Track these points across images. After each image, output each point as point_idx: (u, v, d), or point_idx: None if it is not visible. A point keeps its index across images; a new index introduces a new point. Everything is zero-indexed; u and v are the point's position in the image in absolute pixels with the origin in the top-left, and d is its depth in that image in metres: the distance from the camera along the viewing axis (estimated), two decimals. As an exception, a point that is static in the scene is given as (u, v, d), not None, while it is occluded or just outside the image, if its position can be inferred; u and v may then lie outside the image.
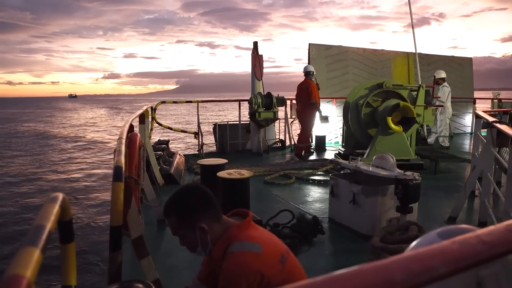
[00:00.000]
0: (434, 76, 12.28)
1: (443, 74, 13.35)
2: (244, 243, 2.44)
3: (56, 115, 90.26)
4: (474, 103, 17.59)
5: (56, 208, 1.65)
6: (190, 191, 2.60)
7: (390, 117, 9.01)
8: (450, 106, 13.57)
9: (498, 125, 5.13)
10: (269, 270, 2.41)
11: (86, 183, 19.74)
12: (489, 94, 20.04)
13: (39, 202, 15.79)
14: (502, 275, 1.11)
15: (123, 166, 3.02)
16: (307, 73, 12.29)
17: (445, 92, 13.11)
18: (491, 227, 0.93)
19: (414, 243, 1.29)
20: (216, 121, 13.78)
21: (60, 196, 1.83)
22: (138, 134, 4.99)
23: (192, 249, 2.61)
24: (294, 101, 14.02)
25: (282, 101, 12.68)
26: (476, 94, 19.56)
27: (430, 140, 13.26)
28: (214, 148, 13.69)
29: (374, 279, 0.76)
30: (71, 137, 42.81)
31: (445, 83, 13.27)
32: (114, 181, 2.89)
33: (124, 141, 3.86)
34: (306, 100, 11.85)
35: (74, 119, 75.25)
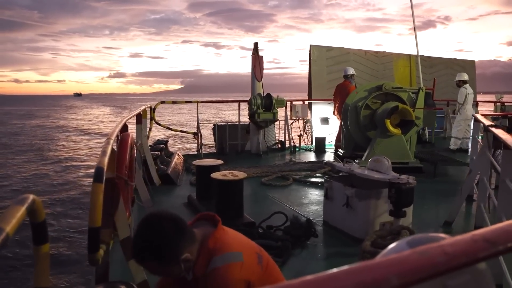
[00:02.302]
0: (434, 79, 12.19)
1: (465, 77, 13.21)
2: (225, 255, 2.38)
3: (76, 112, 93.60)
4: (477, 106, 17.52)
5: (21, 211, 1.62)
6: (160, 226, 2.31)
7: (389, 120, 8.96)
8: (471, 108, 13.21)
9: (493, 129, 5.08)
10: (252, 275, 2.43)
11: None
12: (494, 98, 19.99)
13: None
14: (471, 285, 1.07)
15: (105, 167, 2.98)
16: (345, 76, 12.60)
17: (461, 94, 12.97)
18: (458, 237, 0.89)
19: (384, 251, 1.26)
20: (217, 120, 13.83)
21: (30, 197, 1.81)
22: (130, 134, 4.96)
23: (176, 276, 2.47)
24: (294, 102, 14.02)
25: (281, 102, 12.64)
26: (481, 97, 19.52)
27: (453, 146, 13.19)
28: (214, 149, 13.69)
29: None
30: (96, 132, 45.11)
31: (466, 85, 13.09)
32: (94, 182, 2.85)
33: (111, 141, 3.82)
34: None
35: (89, 116, 77.07)
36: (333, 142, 13.41)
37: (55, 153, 30.04)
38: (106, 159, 3.14)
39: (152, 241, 2.28)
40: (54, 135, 42.73)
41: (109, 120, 65.79)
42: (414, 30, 11.63)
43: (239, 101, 13.99)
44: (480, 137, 7.48)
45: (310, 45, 15.09)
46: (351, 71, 12.53)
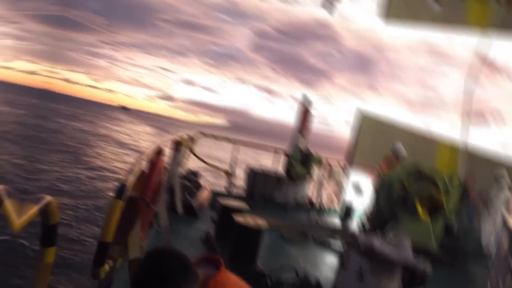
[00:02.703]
0: (473, 175, 11.83)
1: (505, 177, 12.60)
2: None
3: (119, 124, 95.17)
4: (510, 207, 17.06)
5: (33, 210, 1.66)
6: (165, 264, 2.21)
7: (420, 203, 8.83)
8: (503, 209, 12.04)
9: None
10: None
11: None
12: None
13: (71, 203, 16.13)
14: None
15: (129, 185, 3.03)
16: (395, 153, 12.18)
17: (497, 193, 12.44)
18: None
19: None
20: (253, 163, 13.87)
21: (46, 198, 1.85)
22: (164, 159, 5.04)
23: None
24: (332, 164, 13.97)
25: (319, 161, 12.63)
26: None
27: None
28: (244, 191, 13.66)
29: None
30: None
31: (504, 185, 12.45)
32: (114, 198, 2.89)
33: (143, 162, 3.89)
34: None
35: (131, 131, 79.25)
36: (363, 211, 13.24)
37: (90, 159, 30.56)
38: (132, 178, 3.19)
39: (156, 279, 2.18)
40: (93, 142, 43.49)
41: (151, 140, 66.61)
42: (465, 121, 11.52)
43: (278, 150, 14.00)
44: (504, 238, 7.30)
45: (359, 111, 15.08)
46: (402, 151, 12.31)
